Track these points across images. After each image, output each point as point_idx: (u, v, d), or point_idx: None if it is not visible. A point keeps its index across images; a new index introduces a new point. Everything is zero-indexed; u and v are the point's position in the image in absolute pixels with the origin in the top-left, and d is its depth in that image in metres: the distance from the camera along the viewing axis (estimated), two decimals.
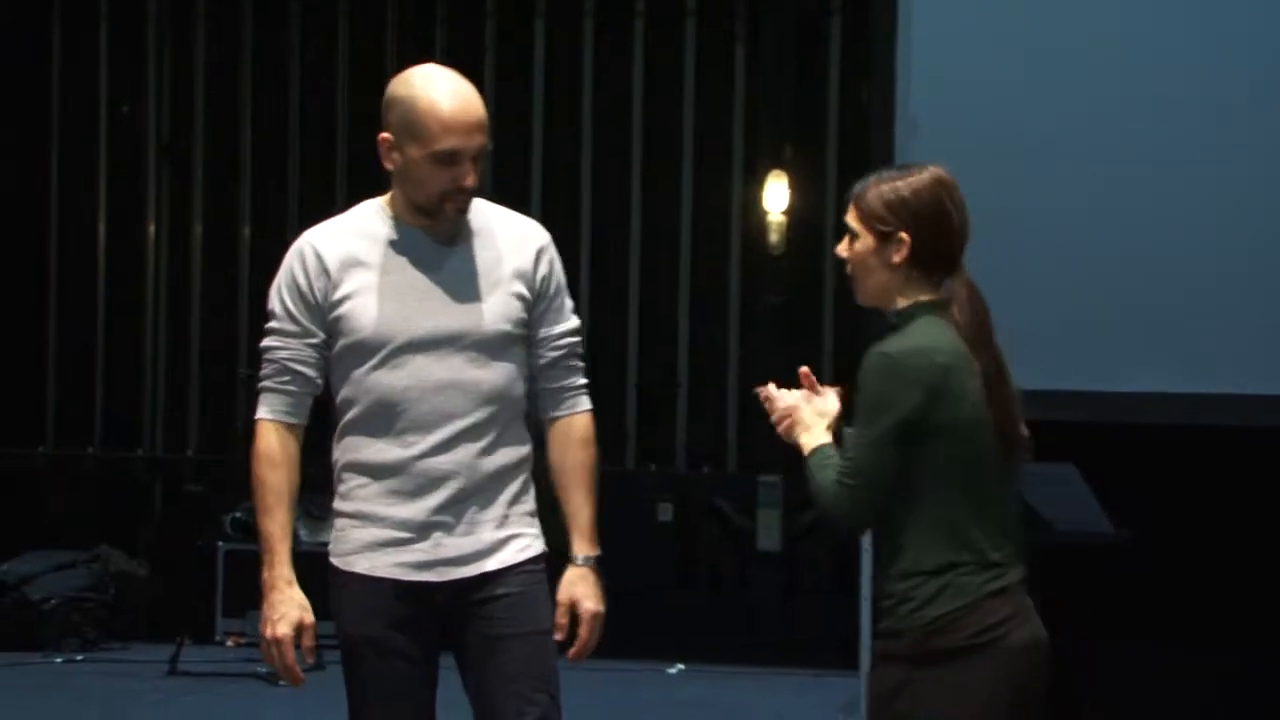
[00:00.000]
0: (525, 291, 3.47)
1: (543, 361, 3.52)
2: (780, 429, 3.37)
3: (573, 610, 3.42)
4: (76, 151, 10.01)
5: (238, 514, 9.02)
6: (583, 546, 3.46)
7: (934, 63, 7.20)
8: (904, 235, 3.37)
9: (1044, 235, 7.06)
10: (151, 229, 9.98)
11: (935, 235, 3.39)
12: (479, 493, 3.41)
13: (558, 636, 3.41)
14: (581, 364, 3.58)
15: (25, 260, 9.98)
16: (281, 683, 7.72)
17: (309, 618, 3.43)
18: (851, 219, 3.42)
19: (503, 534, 3.43)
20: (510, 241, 3.50)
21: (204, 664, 8.18)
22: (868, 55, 8.33)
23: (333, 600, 3.52)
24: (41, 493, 9.81)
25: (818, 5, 9.43)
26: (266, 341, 3.52)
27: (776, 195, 9.37)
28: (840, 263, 3.51)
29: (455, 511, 3.40)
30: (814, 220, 9.32)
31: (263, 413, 3.49)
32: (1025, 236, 7.05)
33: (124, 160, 10.01)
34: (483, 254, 3.47)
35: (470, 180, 3.39)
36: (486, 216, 3.52)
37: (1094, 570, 6.82)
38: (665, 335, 9.39)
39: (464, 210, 3.44)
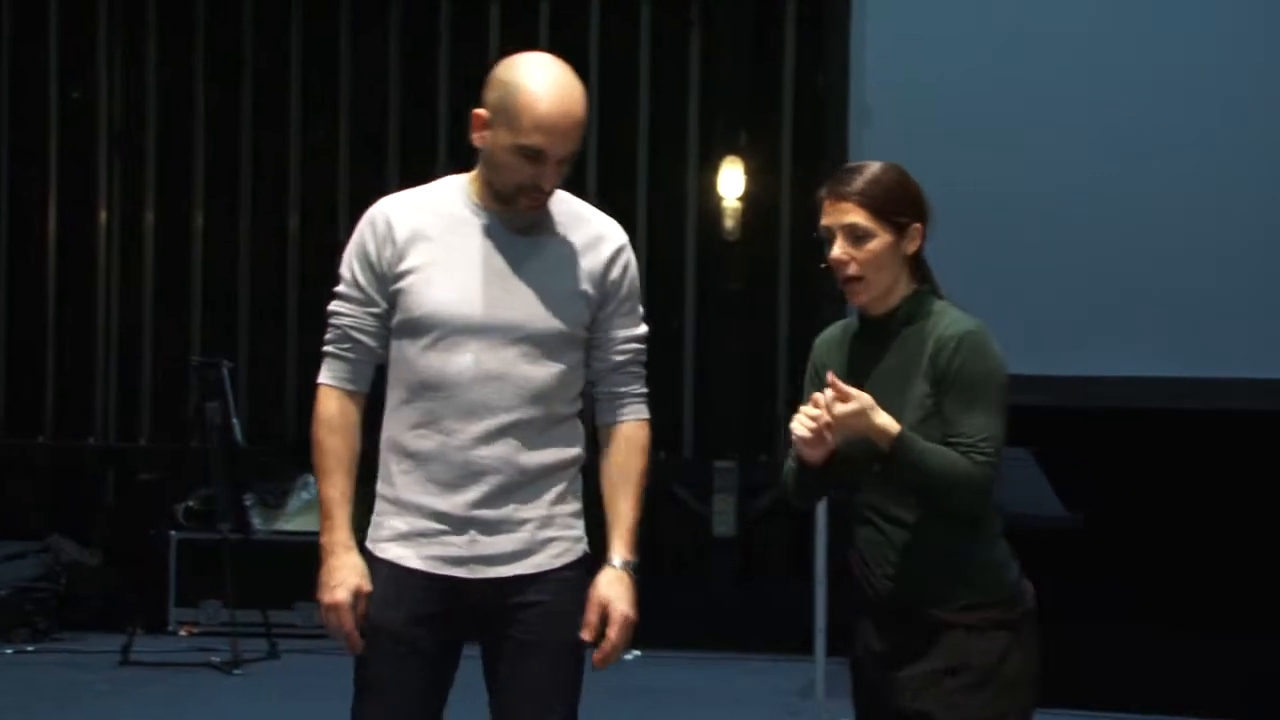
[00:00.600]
0: (592, 292, 3.40)
1: (605, 365, 3.45)
2: (844, 412, 3.26)
3: (604, 611, 3.34)
4: (27, 138, 9.93)
5: (190, 503, 8.98)
6: (622, 550, 3.38)
7: (889, 49, 7.21)
8: (918, 225, 3.43)
9: (1000, 222, 7.08)
10: (103, 216, 9.92)
11: (929, 221, 3.46)
12: (520, 490, 3.34)
13: (586, 636, 3.34)
14: (644, 372, 3.51)
15: None
16: (236, 672, 7.75)
17: (367, 584, 3.34)
18: (862, 219, 3.37)
19: (543, 535, 3.36)
20: (586, 239, 3.43)
21: (157, 654, 8.15)
22: (823, 42, 8.34)
23: None
24: None
25: None
26: (333, 306, 3.44)
27: (732, 182, 9.36)
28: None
29: (495, 508, 3.33)
30: (770, 207, 9.32)
31: (324, 378, 3.45)
32: (980, 223, 7.07)
33: (75, 147, 9.93)
34: (555, 248, 3.39)
35: (550, 182, 3.33)
36: (568, 210, 3.44)
37: (1045, 553, 6.84)
38: None
39: (538, 206, 3.36)
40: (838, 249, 3.38)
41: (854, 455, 3.35)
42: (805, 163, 9.04)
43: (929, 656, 3.36)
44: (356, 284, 3.41)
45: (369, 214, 3.44)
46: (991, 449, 3.33)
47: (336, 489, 3.39)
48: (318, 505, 8.73)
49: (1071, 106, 7.06)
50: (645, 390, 3.51)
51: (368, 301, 3.40)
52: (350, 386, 3.44)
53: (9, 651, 8.37)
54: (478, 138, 3.36)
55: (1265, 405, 6.89)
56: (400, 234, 3.37)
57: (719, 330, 9.39)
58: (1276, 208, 6.86)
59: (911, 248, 3.43)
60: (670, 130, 9.50)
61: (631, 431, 3.47)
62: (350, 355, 3.42)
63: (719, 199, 9.37)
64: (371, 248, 3.39)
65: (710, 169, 9.42)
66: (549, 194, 3.37)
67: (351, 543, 3.36)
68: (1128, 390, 6.96)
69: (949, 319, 3.41)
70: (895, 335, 3.42)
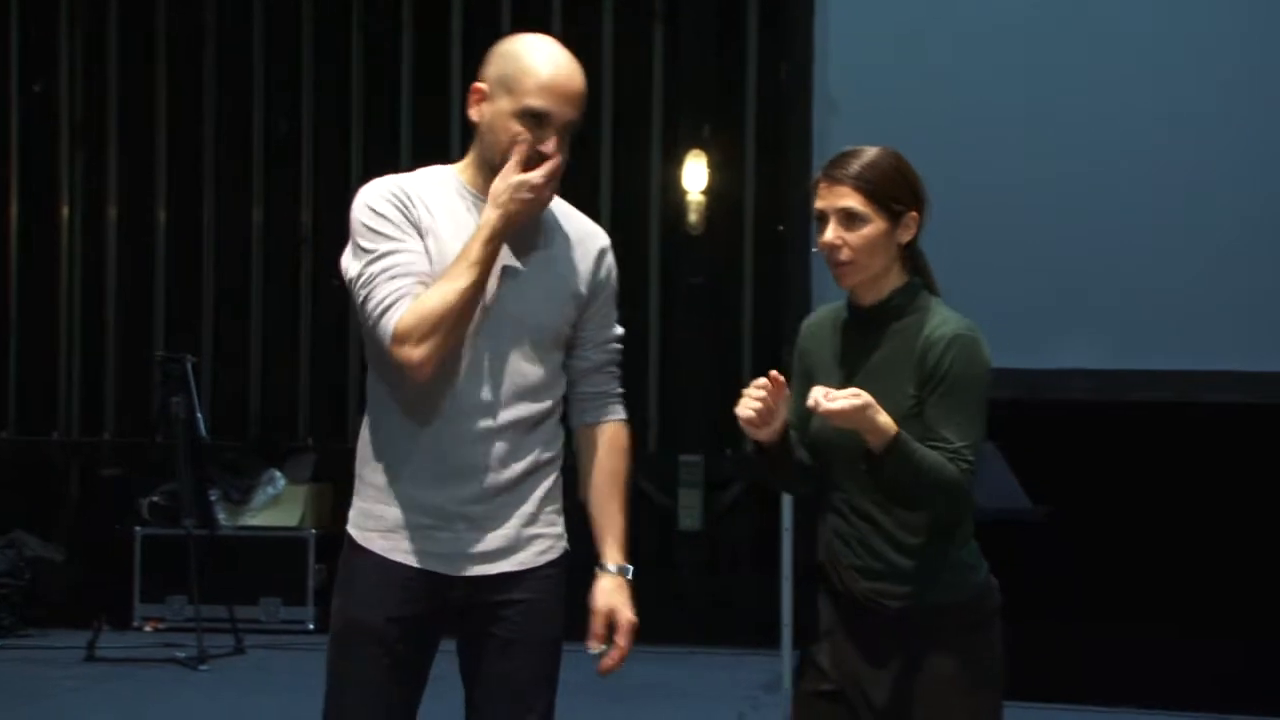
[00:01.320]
0: (582, 291, 3.38)
1: (586, 365, 3.42)
2: (845, 407, 3.19)
3: (609, 619, 3.33)
4: None
5: (154, 498, 8.95)
6: (617, 555, 3.37)
7: (852, 42, 7.21)
8: (914, 214, 3.43)
9: (965, 213, 7.08)
10: (65, 210, 9.87)
11: (925, 210, 3.46)
12: (509, 488, 3.31)
13: (594, 646, 3.32)
14: (620, 372, 3.49)
15: None
16: (203, 668, 7.73)
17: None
18: (857, 203, 3.35)
19: (529, 533, 3.33)
20: (575, 237, 3.40)
21: (122, 649, 8.13)
22: (786, 32, 8.33)
23: (340, 575, 3.36)
24: None
25: None
26: (367, 269, 3.20)
27: (696, 175, 9.37)
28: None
29: (484, 504, 3.29)
30: (733, 200, 9.33)
31: (395, 313, 3.16)
32: (942, 215, 7.07)
33: (37, 141, 9.89)
34: (546, 245, 3.36)
35: (551, 148, 3.25)
36: (555, 207, 3.41)
37: (1011, 547, 6.87)
38: None
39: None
40: (830, 232, 3.36)
41: (839, 450, 3.34)
42: (769, 156, 9.06)
43: (897, 654, 3.35)
44: (387, 237, 3.21)
45: (379, 186, 3.29)
46: (973, 456, 3.30)
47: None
48: (282, 501, 8.72)
49: (1039, 96, 7.06)
50: (622, 390, 3.49)
51: (406, 247, 3.22)
52: None
53: None
54: (475, 112, 3.30)
55: (1235, 398, 6.91)
56: (417, 208, 3.26)
57: (683, 324, 9.39)
58: (1250, 201, 6.87)
59: (906, 236, 3.41)
60: (633, 123, 9.50)
61: (614, 433, 3.46)
62: (413, 288, 3.19)
63: (683, 192, 9.37)
64: (397, 205, 3.25)
65: (674, 162, 9.42)
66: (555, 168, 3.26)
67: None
68: (1094, 383, 6.98)
69: (940, 318, 3.38)
70: (885, 328, 3.38)
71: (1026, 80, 7.08)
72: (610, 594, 3.35)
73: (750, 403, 3.28)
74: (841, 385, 3.30)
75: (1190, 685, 7.05)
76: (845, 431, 3.28)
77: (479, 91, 3.30)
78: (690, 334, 9.37)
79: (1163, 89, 6.98)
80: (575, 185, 10.40)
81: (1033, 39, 7.09)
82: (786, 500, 6.61)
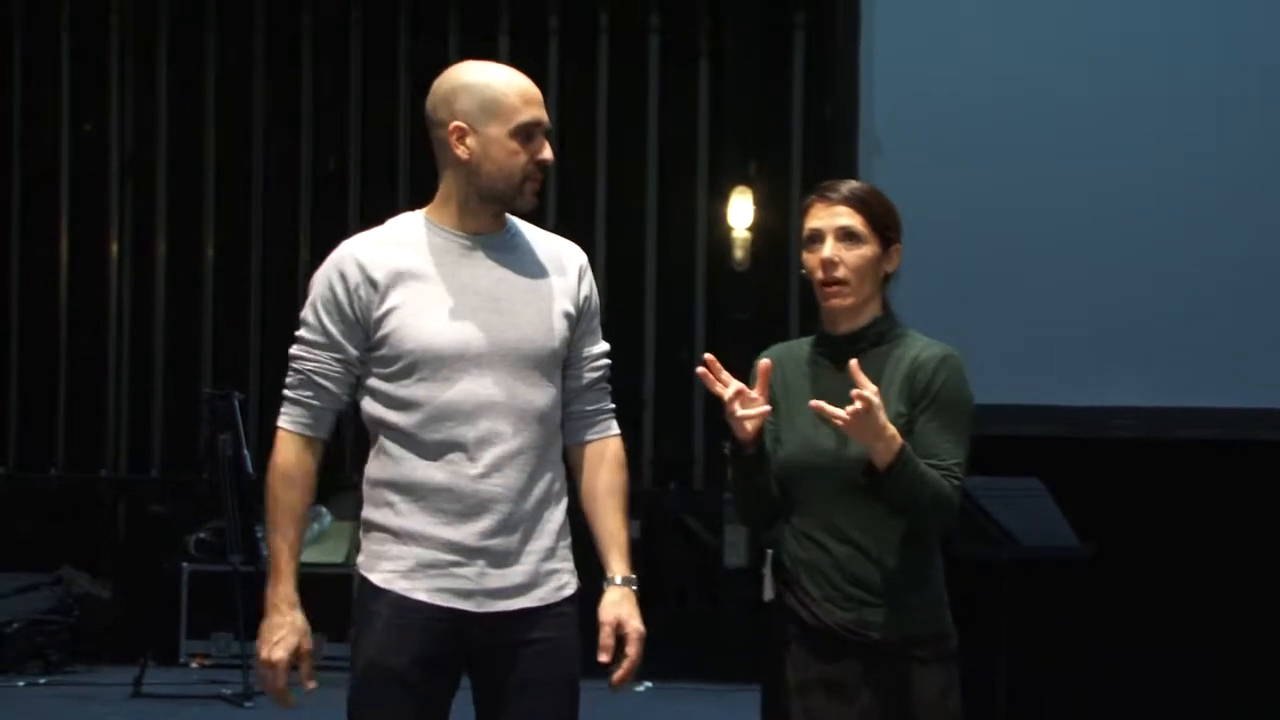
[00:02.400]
0: (571, 309, 3.40)
1: (580, 383, 3.43)
2: (859, 419, 3.20)
3: (618, 631, 3.32)
4: (39, 169, 9.96)
5: (201, 534, 8.98)
6: (621, 567, 3.36)
7: (896, 78, 7.22)
8: (898, 246, 3.45)
9: (1010, 250, 7.07)
10: (114, 247, 9.94)
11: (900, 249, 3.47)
12: (526, 520, 3.31)
13: (604, 658, 3.30)
14: (610, 388, 3.50)
15: None
16: (249, 704, 7.74)
17: (307, 643, 3.34)
18: (858, 224, 3.38)
19: (546, 568, 3.33)
20: (553, 259, 3.43)
21: (168, 686, 8.14)
22: (830, 71, 8.34)
23: (357, 620, 3.38)
24: (3, 514, 9.75)
25: (780, 21, 9.44)
26: (295, 350, 3.41)
27: (741, 211, 9.38)
28: (806, 276, 3.46)
29: (503, 538, 3.29)
30: (779, 236, 9.32)
31: (283, 422, 3.38)
32: (990, 251, 7.06)
33: (87, 178, 9.96)
34: (529, 268, 3.38)
35: (549, 154, 3.35)
36: (528, 232, 3.45)
37: (1059, 584, 6.83)
38: (631, 352, 9.38)
39: (538, 190, 3.38)
40: (829, 249, 3.38)
41: (820, 473, 3.34)
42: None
43: (873, 686, 3.32)
44: (323, 329, 3.36)
45: (334, 258, 3.40)
46: (962, 475, 3.34)
47: (286, 542, 3.35)
48: (327, 537, 8.70)
49: (1082, 131, 7.06)
50: (614, 407, 3.49)
51: (334, 347, 3.35)
52: (310, 433, 3.36)
53: (21, 684, 8.36)
54: (463, 151, 3.34)
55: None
56: (377, 274, 3.32)
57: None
58: None
59: (890, 267, 3.44)
60: (679, 161, 9.52)
61: (610, 448, 3.45)
62: (313, 401, 3.36)
63: (728, 229, 9.38)
64: (342, 294, 3.34)
65: (719, 199, 9.43)
66: (545, 171, 3.38)
67: (296, 599, 3.34)
68: (1141, 420, 6.95)
69: (922, 342, 3.42)
70: (862, 355, 3.37)
71: (1071, 118, 7.07)
72: (616, 605, 3.34)
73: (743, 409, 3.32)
74: (817, 417, 3.30)
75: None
76: (827, 452, 3.31)
77: (460, 129, 3.34)
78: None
79: (1216, 122, 6.96)
80: (622, 222, 10.41)
81: (1073, 76, 7.09)
82: None
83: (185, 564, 8.93)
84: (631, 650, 3.31)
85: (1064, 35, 7.15)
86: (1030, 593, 6.44)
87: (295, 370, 3.39)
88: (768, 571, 3.47)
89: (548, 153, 3.35)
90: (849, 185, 3.44)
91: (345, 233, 10.61)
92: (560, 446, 3.41)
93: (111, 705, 7.86)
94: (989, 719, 6.31)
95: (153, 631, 8.42)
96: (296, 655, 3.32)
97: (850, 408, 3.19)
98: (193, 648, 8.84)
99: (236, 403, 8.39)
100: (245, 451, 8.42)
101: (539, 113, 3.34)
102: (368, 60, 9.79)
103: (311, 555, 8.88)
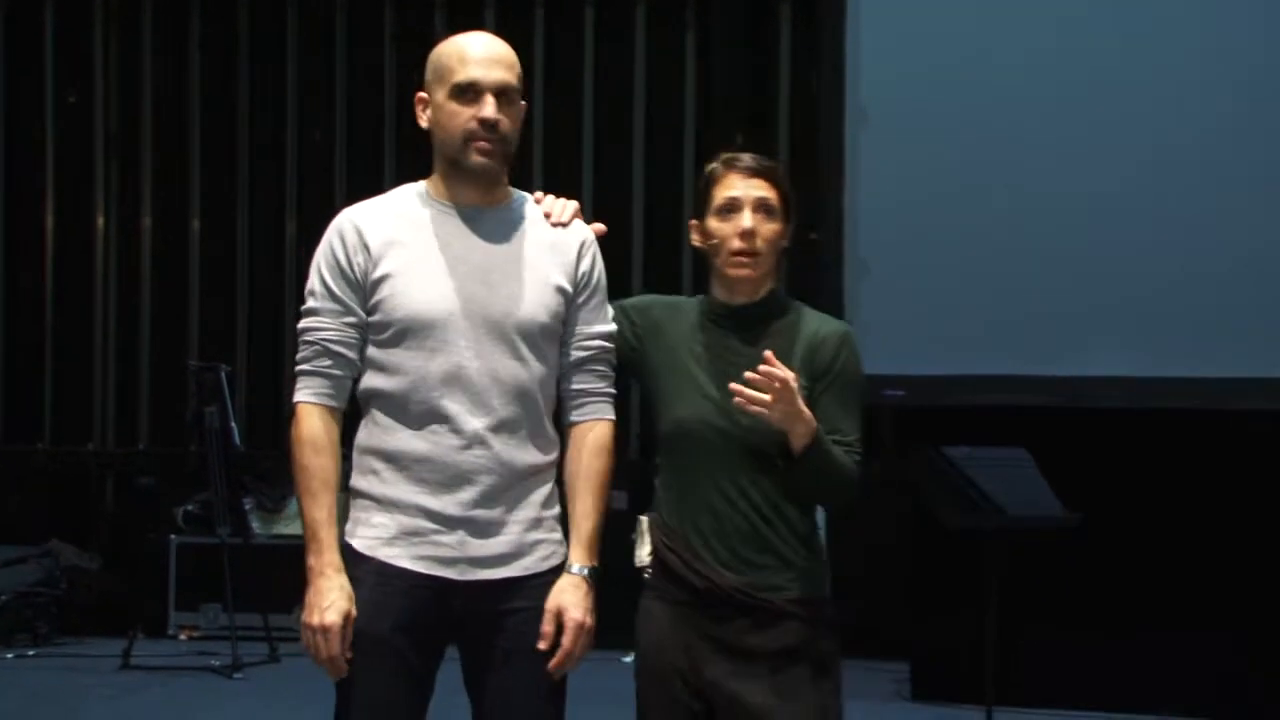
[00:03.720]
0: (566, 285, 3.38)
1: (570, 360, 3.41)
2: (778, 407, 3.25)
3: (558, 619, 3.30)
4: (23, 144, 9.94)
5: (189, 507, 8.99)
6: (580, 556, 3.34)
7: (883, 50, 7.22)
8: (791, 225, 3.51)
9: (994, 222, 7.08)
10: (100, 221, 9.93)
11: None
12: (510, 491, 3.31)
13: (541, 645, 3.28)
14: (611, 372, 3.46)
15: None
16: (237, 675, 7.76)
17: (353, 610, 3.26)
18: (774, 198, 3.45)
19: (531, 538, 3.33)
20: (552, 234, 3.42)
21: (157, 658, 8.15)
22: (817, 43, 8.34)
23: None
24: None
25: None
26: (305, 323, 3.38)
27: None
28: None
29: (486, 509, 3.29)
30: None
31: (304, 395, 3.35)
32: (975, 224, 7.08)
33: (71, 152, 9.94)
34: (525, 242, 3.38)
35: (490, 111, 3.31)
36: (529, 208, 3.45)
37: (1046, 554, 6.86)
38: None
39: (489, 154, 3.33)
40: (748, 219, 3.41)
41: (724, 438, 3.36)
42: (801, 164, 9.05)
43: (764, 648, 3.35)
44: (331, 294, 3.36)
45: (334, 224, 3.40)
46: (859, 444, 3.40)
47: (324, 510, 3.30)
48: None
49: (1069, 106, 7.07)
50: (612, 391, 3.46)
51: (345, 311, 3.35)
52: (331, 403, 3.35)
53: (10, 656, 8.37)
54: (422, 119, 3.40)
55: (1266, 405, 6.90)
56: (372, 240, 3.34)
57: None
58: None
59: (785, 242, 3.50)
60: (666, 133, 9.51)
61: (593, 431, 3.42)
62: (331, 370, 3.35)
63: None
64: (343, 257, 3.35)
65: None
66: (496, 131, 3.33)
67: (340, 564, 3.28)
68: (1126, 391, 6.97)
69: (819, 317, 3.48)
70: (763, 327, 3.43)
71: (1056, 90, 7.09)
72: (561, 593, 3.32)
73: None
74: (719, 384, 3.35)
75: (1224, 691, 7.03)
76: (729, 416, 3.33)
77: (421, 100, 3.40)
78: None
79: (1200, 92, 6.97)
80: (608, 196, 10.39)
81: (1062, 51, 7.09)
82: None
83: (173, 536, 8.94)
84: (566, 640, 3.29)
85: (1053, 8, 7.15)
86: (1017, 562, 6.46)
87: (307, 342, 3.37)
88: (645, 535, 3.47)
89: (487, 110, 3.31)
90: (761, 159, 3.49)
91: (331, 205, 10.60)
92: (550, 420, 3.40)
93: (100, 677, 7.88)
94: (977, 686, 6.33)
95: (141, 604, 8.44)
96: (346, 619, 3.26)
97: (769, 393, 3.22)
98: (181, 620, 8.86)
99: (223, 375, 8.39)
100: (232, 424, 8.42)
101: (479, 72, 3.32)
102: (353, 33, 9.77)
103: (295, 528, 8.89)
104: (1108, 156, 7.01)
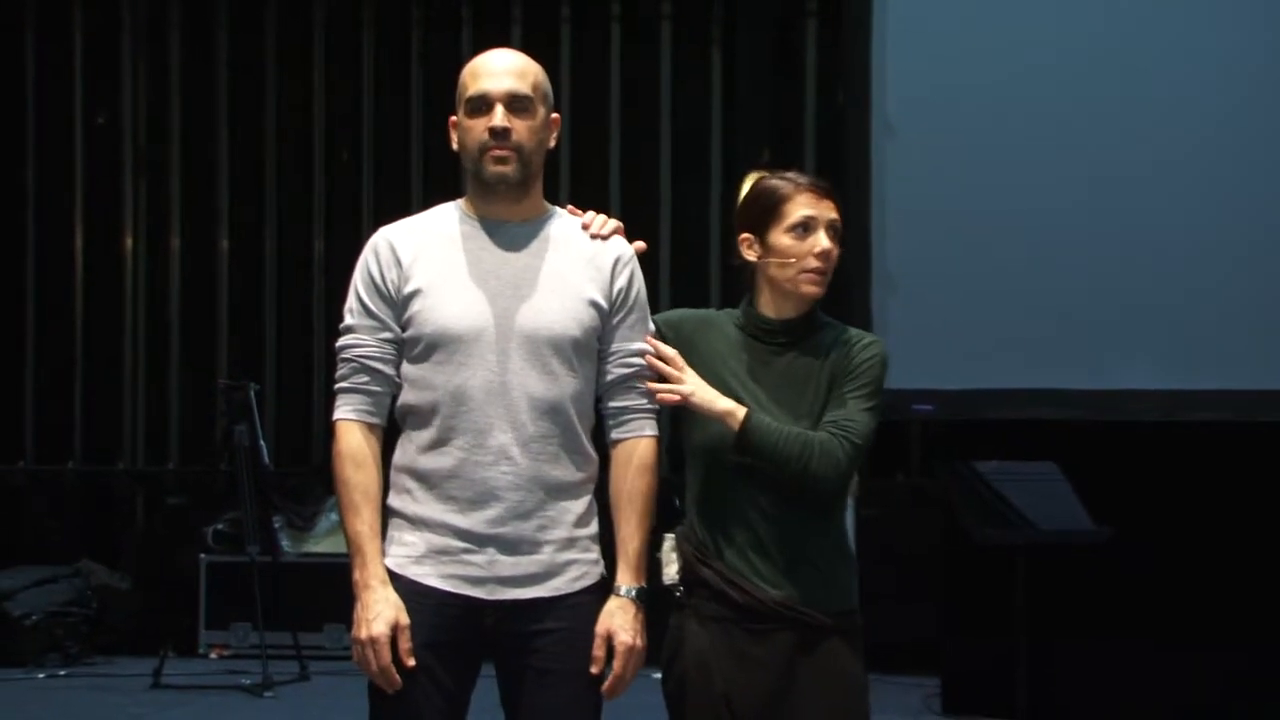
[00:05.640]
0: (600, 300, 3.38)
1: (609, 378, 3.41)
2: (684, 389, 3.38)
3: (609, 642, 3.30)
4: (52, 163, 9.98)
5: (219, 526, 9.01)
6: (627, 577, 3.34)
7: (909, 65, 7.22)
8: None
9: (1022, 236, 7.07)
10: (129, 241, 9.96)
11: None
12: (541, 508, 3.31)
13: (593, 669, 3.29)
14: (646, 388, 3.45)
15: (2, 273, 9.95)
16: (268, 694, 7.77)
17: (404, 618, 3.26)
18: (839, 221, 3.54)
19: (563, 558, 3.32)
20: (590, 249, 3.42)
21: (187, 677, 8.17)
22: (843, 59, 8.33)
23: None
24: (22, 508, 9.78)
25: (793, 9, 9.43)
26: (343, 340, 3.40)
27: None
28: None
29: (515, 527, 3.29)
30: None
31: (344, 413, 3.37)
32: (1002, 237, 7.06)
33: (100, 172, 9.98)
34: (558, 256, 3.38)
35: (499, 120, 3.32)
36: (567, 224, 3.46)
37: (1077, 568, 6.83)
38: None
39: (503, 163, 3.34)
40: (828, 240, 3.49)
41: (713, 449, 3.39)
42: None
43: (803, 661, 3.36)
44: (367, 311, 3.37)
45: (369, 243, 3.42)
46: (857, 431, 3.38)
47: (366, 524, 3.31)
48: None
49: (1097, 115, 7.05)
50: (654, 407, 3.44)
51: (381, 327, 3.36)
52: (371, 419, 3.37)
53: (41, 676, 8.39)
54: (453, 141, 3.43)
55: None
56: (404, 255, 3.36)
57: None
58: None
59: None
60: (692, 149, 9.51)
61: (635, 449, 3.41)
62: (370, 387, 3.36)
63: None
64: (377, 274, 3.37)
65: (733, 187, 9.40)
66: (508, 141, 3.34)
67: (386, 577, 3.29)
68: (1156, 404, 6.95)
69: (857, 330, 3.54)
70: (805, 340, 3.48)
71: (1084, 103, 7.07)
72: (611, 616, 3.33)
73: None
74: (766, 396, 3.40)
75: (1258, 706, 6.99)
76: (712, 433, 3.39)
77: (452, 123, 3.43)
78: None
79: (1229, 108, 6.96)
80: (634, 213, 10.41)
81: (1089, 64, 7.08)
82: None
83: (203, 555, 8.96)
84: (617, 665, 3.30)
85: (1079, 21, 7.14)
86: (1047, 577, 6.44)
87: (345, 360, 3.39)
88: (671, 553, 3.47)
89: (495, 119, 3.33)
90: (823, 180, 3.59)
91: (358, 225, 10.64)
92: (587, 437, 3.39)
93: (131, 696, 7.89)
94: (1008, 702, 6.32)
95: (172, 623, 8.46)
96: (395, 630, 3.26)
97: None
98: (211, 638, 8.87)
99: (252, 393, 8.41)
100: (261, 442, 8.44)
101: (486, 84, 3.34)
102: (380, 52, 9.79)
103: (328, 545, 8.93)
104: (1137, 168, 6.99)
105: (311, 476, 9.37)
